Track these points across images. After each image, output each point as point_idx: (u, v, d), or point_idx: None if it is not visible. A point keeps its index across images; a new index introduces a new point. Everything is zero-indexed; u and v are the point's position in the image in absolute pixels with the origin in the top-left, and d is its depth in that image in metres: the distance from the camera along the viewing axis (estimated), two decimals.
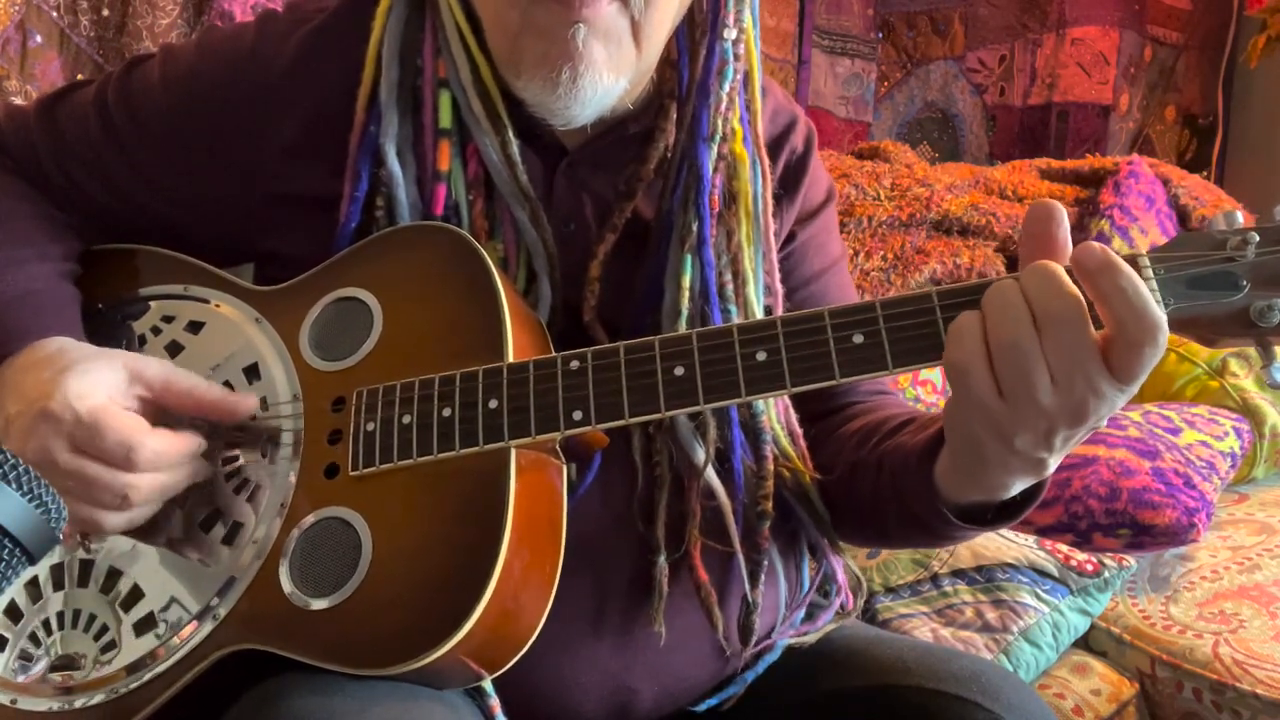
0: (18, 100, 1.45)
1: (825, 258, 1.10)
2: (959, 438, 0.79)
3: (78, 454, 0.82)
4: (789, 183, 1.06)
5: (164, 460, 0.84)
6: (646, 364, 0.81)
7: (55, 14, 1.51)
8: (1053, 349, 0.71)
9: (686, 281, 0.93)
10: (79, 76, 1.49)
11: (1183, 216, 2.32)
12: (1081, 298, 0.71)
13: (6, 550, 0.55)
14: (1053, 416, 0.73)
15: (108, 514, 0.83)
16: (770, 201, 0.98)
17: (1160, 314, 0.71)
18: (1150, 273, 0.75)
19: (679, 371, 0.81)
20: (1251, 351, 0.78)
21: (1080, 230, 2.21)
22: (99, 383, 0.83)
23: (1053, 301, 0.71)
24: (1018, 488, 0.81)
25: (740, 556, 0.94)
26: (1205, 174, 3.20)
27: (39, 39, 1.50)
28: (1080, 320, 0.71)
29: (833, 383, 0.79)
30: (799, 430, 1.01)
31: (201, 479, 0.87)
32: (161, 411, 0.88)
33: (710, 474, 0.92)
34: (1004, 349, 0.72)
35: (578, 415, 0.81)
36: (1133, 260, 0.75)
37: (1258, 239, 0.75)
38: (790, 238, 1.07)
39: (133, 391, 0.86)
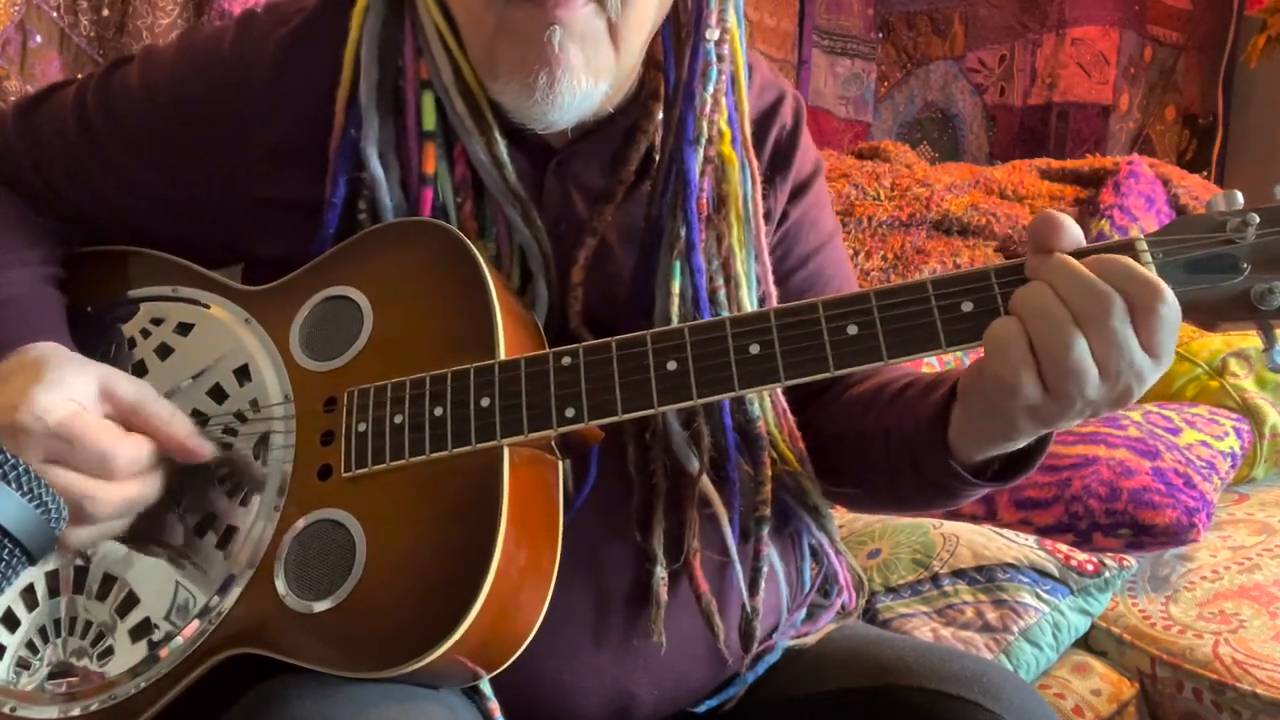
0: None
1: (820, 233, 1.09)
2: (989, 419, 0.81)
3: (51, 464, 0.80)
4: (780, 160, 1.04)
5: (141, 465, 0.83)
6: (639, 359, 0.81)
7: (55, 14, 1.51)
8: (1101, 347, 0.73)
9: (676, 287, 0.92)
10: (79, 76, 1.49)
11: None
12: (1114, 288, 0.72)
13: (6, 550, 0.55)
14: (1098, 404, 0.75)
15: (69, 529, 0.81)
16: (760, 203, 0.98)
17: (1156, 277, 0.73)
18: (1148, 257, 0.75)
19: (671, 366, 0.80)
20: (1252, 351, 0.78)
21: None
22: (69, 393, 0.82)
23: (1094, 301, 0.73)
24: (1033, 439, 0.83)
25: (738, 565, 0.93)
26: (1205, 174, 3.20)
27: (39, 39, 1.50)
28: (1122, 311, 0.72)
29: (827, 375, 0.78)
30: (798, 433, 1.00)
31: (180, 484, 0.86)
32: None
33: (705, 482, 0.92)
34: (1055, 358, 0.73)
35: (570, 412, 0.81)
36: (1130, 244, 0.76)
37: (1258, 220, 0.74)
38: (784, 217, 1.06)
39: (102, 408, 0.84)
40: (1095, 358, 0.73)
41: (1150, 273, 0.73)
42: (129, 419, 0.85)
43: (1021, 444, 0.83)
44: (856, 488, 1.02)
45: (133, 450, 0.83)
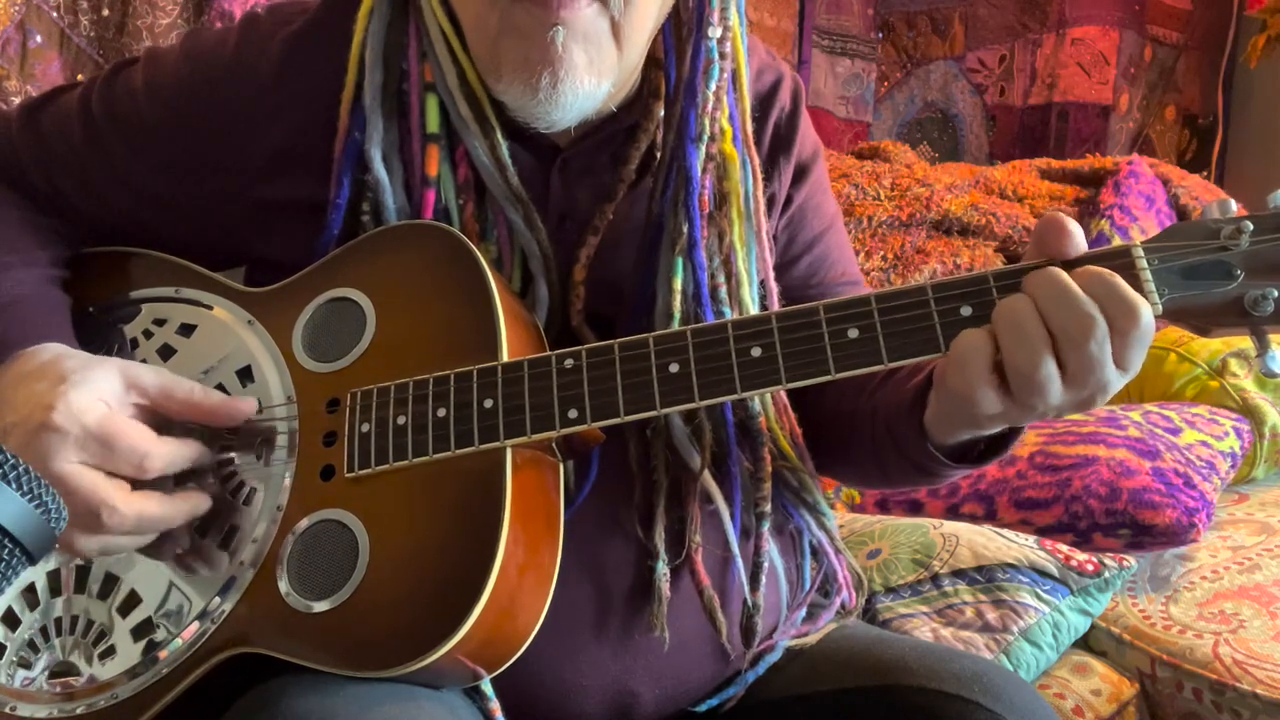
0: (17, 100, 1.44)
1: (824, 218, 1.10)
2: (955, 414, 0.83)
3: (80, 465, 0.80)
4: (781, 142, 1.04)
5: (175, 466, 0.84)
6: (641, 361, 0.81)
7: (55, 14, 1.51)
8: (1075, 365, 0.75)
9: (678, 284, 0.92)
10: (79, 76, 1.49)
11: (1182, 216, 2.32)
12: (1098, 309, 0.74)
13: (6, 550, 0.55)
14: (1060, 409, 0.77)
15: (80, 536, 0.82)
16: (762, 201, 0.98)
17: (1137, 299, 0.74)
18: (1144, 264, 0.76)
19: (674, 369, 0.81)
20: (1250, 349, 0.79)
21: None
22: (99, 393, 0.83)
23: (1076, 323, 0.74)
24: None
25: (739, 560, 0.93)
26: (1205, 174, 3.20)
27: (39, 39, 1.50)
28: (1103, 335, 0.74)
29: (828, 378, 0.79)
30: (799, 430, 1.01)
31: (203, 512, 0.86)
32: (159, 420, 0.87)
33: (707, 478, 0.92)
34: (1022, 375, 0.75)
35: (573, 414, 0.81)
36: (1126, 252, 0.76)
37: (1252, 228, 0.75)
38: (788, 201, 1.06)
39: (129, 399, 0.85)
40: (1066, 374, 0.75)
41: (1131, 293, 0.74)
42: (163, 404, 0.86)
43: (992, 432, 0.85)
44: (846, 466, 1.05)
45: (169, 451, 0.83)
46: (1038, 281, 0.76)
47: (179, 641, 0.84)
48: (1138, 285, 0.75)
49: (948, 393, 0.80)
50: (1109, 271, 0.75)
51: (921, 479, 0.96)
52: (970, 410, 0.78)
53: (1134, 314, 0.74)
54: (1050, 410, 0.78)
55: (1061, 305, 0.74)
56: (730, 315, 0.94)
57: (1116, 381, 0.76)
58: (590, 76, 0.85)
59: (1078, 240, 0.78)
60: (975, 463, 0.90)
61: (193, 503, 0.86)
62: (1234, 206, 0.77)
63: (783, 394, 1.00)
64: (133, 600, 0.87)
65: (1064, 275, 0.75)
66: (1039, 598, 1.41)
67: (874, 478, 1.10)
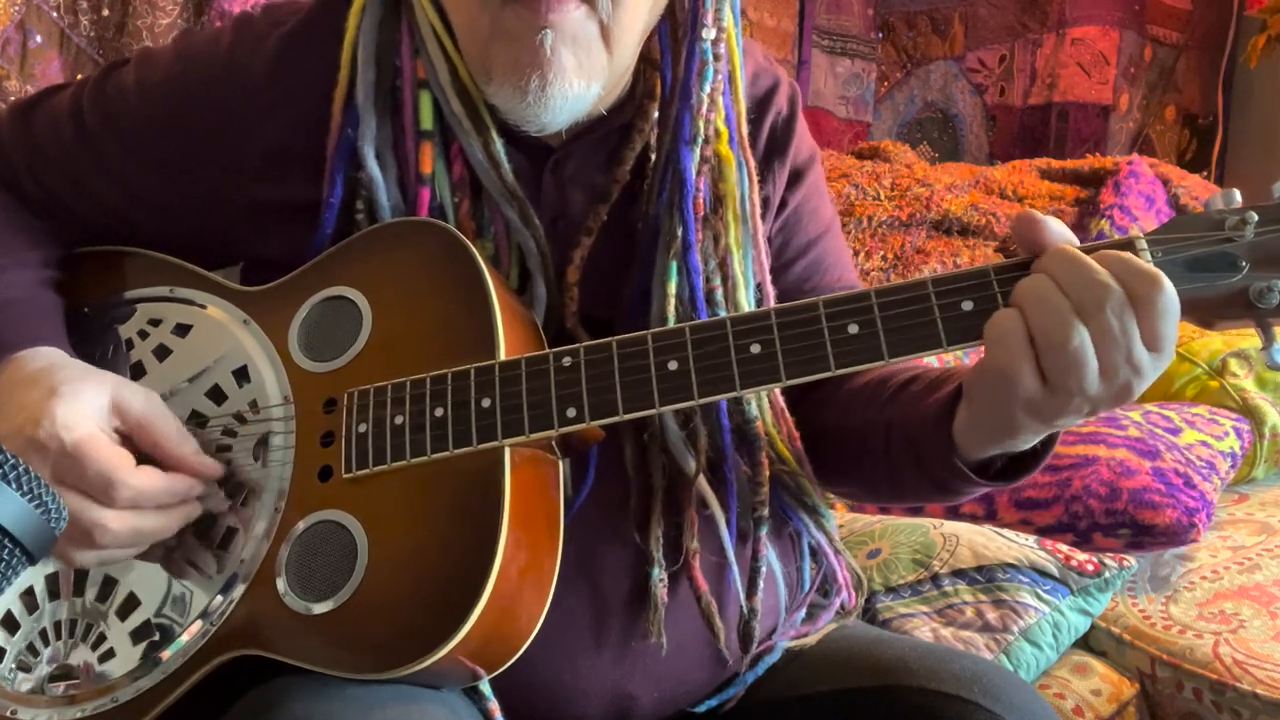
0: None
1: (820, 222, 1.09)
2: (992, 416, 0.80)
3: (58, 485, 0.80)
4: (776, 145, 1.04)
5: (146, 499, 0.83)
6: (639, 358, 0.81)
7: (55, 14, 1.51)
8: (1099, 337, 0.73)
9: (672, 288, 0.92)
10: (78, 77, 1.49)
11: None
12: (1113, 279, 0.73)
13: (6, 550, 0.55)
14: (1097, 401, 0.75)
15: (75, 550, 0.82)
16: (758, 204, 0.97)
17: (1154, 269, 0.73)
18: (1147, 256, 0.76)
19: (672, 366, 0.80)
20: (1252, 351, 0.78)
21: (1080, 230, 2.21)
22: (87, 410, 0.82)
23: (1092, 291, 0.73)
24: (1038, 439, 0.83)
25: (735, 567, 0.93)
26: (1205, 174, 3.20)
27: (39, 39, 1.50)
28: (1122, 303, 0.72)
29: (828, 374, 0.78)
30: (796, 433, 1.00)
31: (195, 518, 0.86)
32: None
33: (703, 483, 0.92)
34: (1055, 348, 0.73)
35: (571, 413, 0.81)
36: (1129, 243, 0.76)
37: (1256, 218, 0.75)
38: (783, 205, 1.05)
39: (112, 422, 0.85)
40: (1095, 350, 0.73)
41: (1148, 265, 0.73)
42: (137, 435, 0.86)
43: (1025, 445, 0.83)
44: (855, 482, 1.03)
45: (140, 482, 0.82)
46: (1049, 258, 0.75)
47: (179, 644, 0.84)
48: None
49: (987, 383, 0.78)
50: (1121, 252, 0.75)
51: (939, 496, 0.94)
52: (1011, 395, 0.76)
53: (1155, 281, 0.72)
54: (1087, 400, 0.75)
55: (1077, 276, 0.73)
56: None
57: (1149, 363, 0.74)
58: (579, 79, 0.85)
59: (1052, 226, 0.77)
60: (995, 480, 0.88)
61: (184, 512, 0.86)
62: (1238, 198, 0.76)
63: (780, 398, 0.99)
64: (132, 603, 0.86)
65: (1075, 250, 0.75)
66: (1039, 598, 1.41)
67: (884, 494, 1.09)
